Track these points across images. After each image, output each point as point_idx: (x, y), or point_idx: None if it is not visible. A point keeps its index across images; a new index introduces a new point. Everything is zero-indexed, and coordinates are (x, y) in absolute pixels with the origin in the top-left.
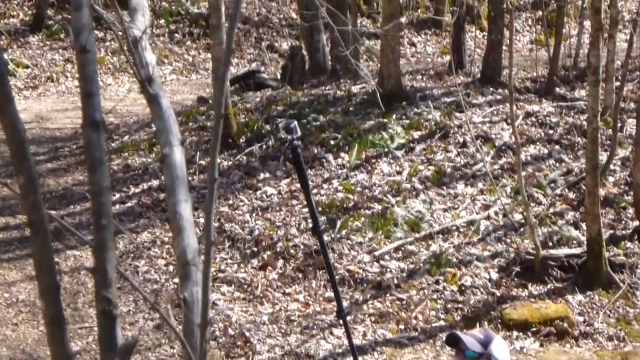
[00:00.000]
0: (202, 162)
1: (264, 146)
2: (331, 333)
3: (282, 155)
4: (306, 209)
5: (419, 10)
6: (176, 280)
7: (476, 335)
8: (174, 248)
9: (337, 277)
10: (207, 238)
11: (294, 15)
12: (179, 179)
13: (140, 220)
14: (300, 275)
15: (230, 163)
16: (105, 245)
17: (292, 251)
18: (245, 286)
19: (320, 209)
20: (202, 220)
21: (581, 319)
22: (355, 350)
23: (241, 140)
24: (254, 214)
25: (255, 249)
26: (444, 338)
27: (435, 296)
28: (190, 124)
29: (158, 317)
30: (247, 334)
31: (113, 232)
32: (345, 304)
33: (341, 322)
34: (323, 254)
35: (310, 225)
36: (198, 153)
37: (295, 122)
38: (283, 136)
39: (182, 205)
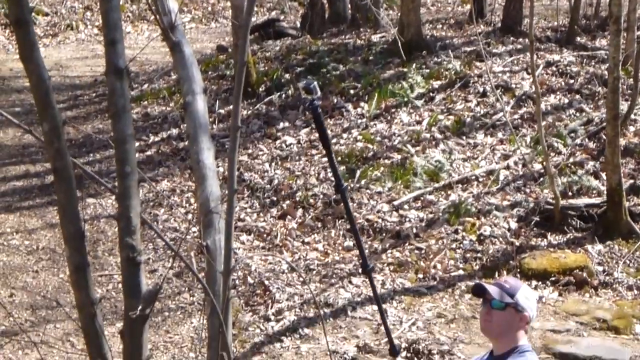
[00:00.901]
0: (222, 111)
1: (284, 95)
2: (350, 282)
3: (302, 104)
4: (325, 159)
5: None
6: (195, 229)
7: (502, 285)
8: (196, 196)
9: (356, 227)
10: (230, 186)
11: None
12: (201, 127)
13: (160, 169)
14: (319, 225)
15: (249, 112)
16: (129, 193)
17: (311, 200)
18: (265, 235)
19: (339, 158)
20: (222, 168)
21: (600, 268)
22: (382, 305)
23: (261, 89)
24: (273, 164)
25: (275, 198)
26: (471, 288)
27: (454, 246)
28: (210, 72)
29: (178, 265)
30: (266, 282)
31: (137, 180)
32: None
33: (365, 276)
34: (347, 213)
35: (333, 183)
36: (217, 102)
37: (315, 83)
38: (303, 96)
39: (205, 154)
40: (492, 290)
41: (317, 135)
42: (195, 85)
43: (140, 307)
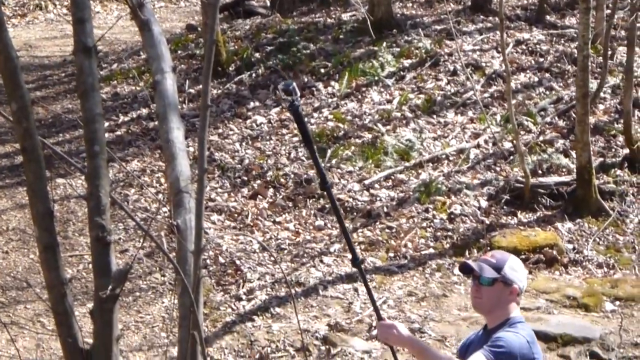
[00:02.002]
0: (192, 91)
1: (254, 74)
2: (321, 261)
3: (272, 83)
4: (296, 138)
5: None
6: (165, 208)
7: (489, 260)
8: (166, 176)
9: (326, 206)
10: (201, 165)
11: None
12: (171, 106)
13: (130, 149)
14: (290, 204)
15: (219, 91)
16: (99, 173)
17: (282, 180)
18: (236, 215)
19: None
20: (192, 148)
21: (570, 246)
22: (374, 298)
23: (230, 68)
24: (243, 143)
25: (246, 178)
26: (458, 267)
27: (424, 224)
28: (179, 52)
29: (149, 245)
30: (237, 262)
31: (106, 160)
32: (335, 232)
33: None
34: (334, 210)
35: (311, 169)
36: (187, 81)
37: (294, 84)
38: (283, 97)
39: (175, 133)
40: (479, 267)
41: (288, 115)
42: (165, 63)
43: (110, 287)
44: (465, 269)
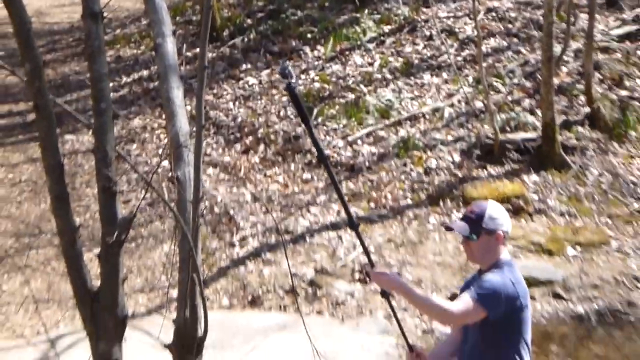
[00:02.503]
0: (189, 54)
1: (246, 39)
2: (308, 211)
3: (263, 47)
4: (285, 98)
5: None
6: (166, 162)
7: (468, 216)
8: (167, 132)
9: (313, 161)
10: (198, 122)
11: None
12: (171, 67)
13: (132, 108)
14: (280, 159)
15: (214, 55)
16: (105, 128)
17: (272, 137)
18: (230, 169)
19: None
20: (190, 107)
21: (535, 197)
22: (371, 257)
23: (224, 33)
24: (237, 103)
25: (239, 135)
26: (444, 226)
27: (402, 177)
28: (178, 18)
29: (151, 195)
30: (231, 212)
31: (111, 116)
32: (321, 184)
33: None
34: (332, 180)
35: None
36: (185, 45)
37: (290, 67)
38: (282, 80)
39: (175, 92)
40: (461, 226)
41: (277, 76)
42: (165, 28)
43: (116, 233)
44: (450, 229)
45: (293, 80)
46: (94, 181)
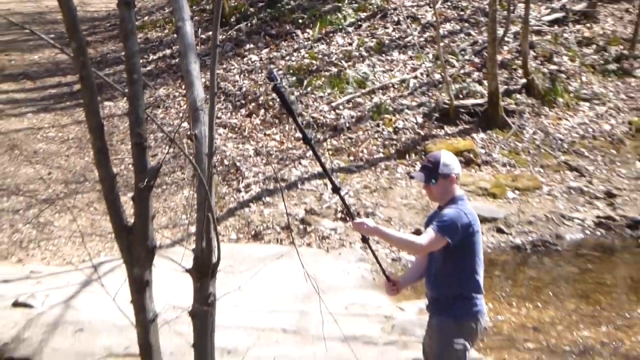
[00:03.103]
0: (203, 36)
1: (249, 24)
2: (300, 163)
3: (263, 31)
4: (281, 71)
5: None
6: (185, 124)
7: (427, 166)
8: (186, 98)
9: (303, 122)
10: (212, 89)
11: None
12: (189, 46)
13: (158, 80)
14: (277, 121)
15: (223, 37)
16: (137, 95)
17: (270, 103)
18: (236, 129)
19: (291, 71)
20: (204, 79)
21: (483, 151)
22: (351, 212)
23: (232, 19)
24: (242, 75)
25: (243, 102)
26: (409, 176)
27: (376, 136)
28: (194, 7)
29: (173, 150)
30: (237, 164)
31: (142, 86)
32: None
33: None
34: (317, 159)
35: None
36: (200, 29)
37: (275, 71)
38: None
39: (192, 65)
40: (422, 175)
41: (275, 54)
42: (185, 13)
43: (146, 180)
44: (413, 178)
45: (278, 82)
46: (127, 139)
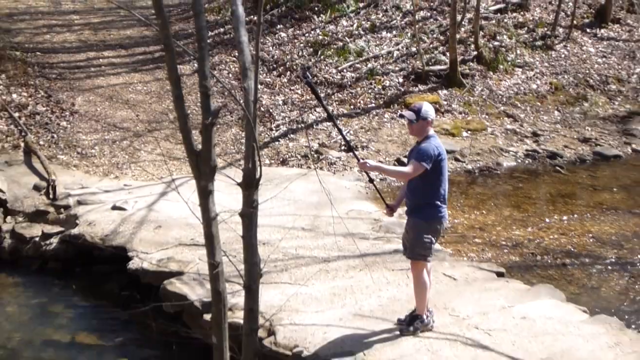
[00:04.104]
0: (247, 19)
1: (279, 10)
2: (315, 110)
3: (289, 15)
4: (303, 45)
5: None
6: (235, 82)
7: (413, 109)
8: (238, 60)
9: (317, 81)
10: (256, 55)
11: None
12: (241, 23)
13: (214, 50)
14: (298, 80)
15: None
16: (204, 57)
17: (294, 67)
18: (270, 85)
19: (309, 44)
20: (250, 48)
21: (445, 103)
22: (357, 155)
23: (267, 7)
24: (274, 47)
25: (275, 65)
26: (398, 115)
27: (369, 91)
28: None
29: (227, 97)
30: (270, 109)
31: (207, 51)
32: (323, 95)
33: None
34: (338, 131)
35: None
36: (244, 14)
37: (307, 70)
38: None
39: (243, 38)
40: (408, 114)
41: (299, 31)
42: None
43: (210, 118)
44: (402, 117)
45: (310, 79)
46: (192, 91)
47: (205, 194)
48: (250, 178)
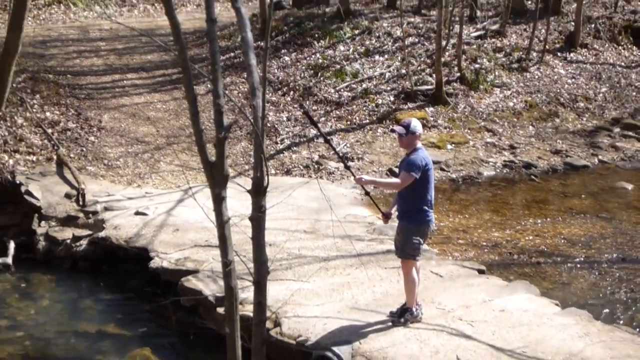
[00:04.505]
0: (254, 45)
1: (284, 37)
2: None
3: (292, 41)
4: (304, 67)
5: None
6: (245, 101)
7: (403, 124)
8: (247, 81)
9: (317, 99)
10: (263, 77)
11: None
12: (250, 47)
13: (226, 72)
14: (301, 99)
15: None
16: (217, 79)
17: (296, 87)
18: (275, 103)
19: (310, 67)
20: (258, 70)
21: (432, 119)
22: (352, 170)
23: (273, 34)
24: (278, 70)
25: (279, 86)
26: (390, 130)
27: (364, 108)
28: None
29: (237, 114)
30: (276, 125)
31: (220, 73)
32: (322, 112)
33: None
34: (337, 154)
35: (305, 87)
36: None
37: (307, 107)
38: (303, 108)
39: (252, 61)
40: (398, 129)
41: (302, 55)
42: (247, 27)
43: (223, 132)
44: (393, 131)
45: (307, 109)
46: (206, 110)
47: (218, 200)
48: (258, 186)
